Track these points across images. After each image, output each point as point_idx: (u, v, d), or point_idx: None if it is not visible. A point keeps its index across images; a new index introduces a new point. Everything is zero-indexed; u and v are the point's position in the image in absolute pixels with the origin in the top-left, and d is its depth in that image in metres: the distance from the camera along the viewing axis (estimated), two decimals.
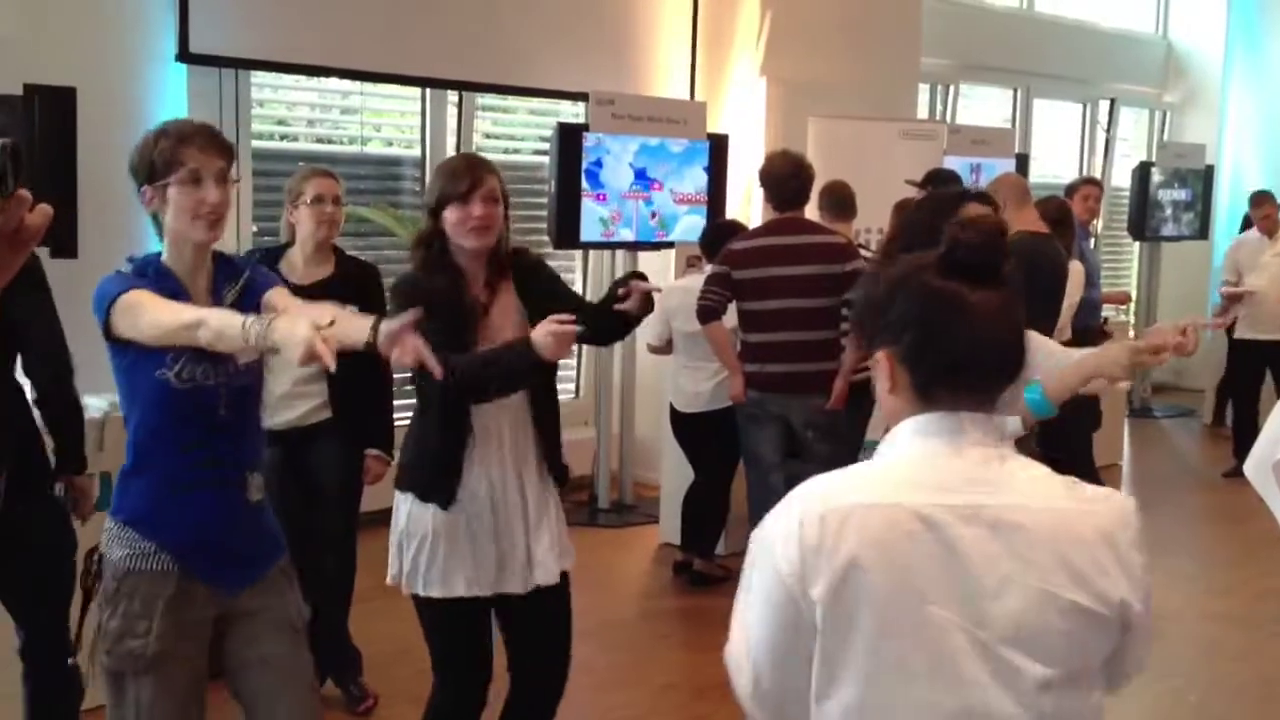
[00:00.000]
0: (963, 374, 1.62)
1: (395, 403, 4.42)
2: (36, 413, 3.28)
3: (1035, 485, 1.62)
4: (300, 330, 2.24)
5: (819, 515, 1.57)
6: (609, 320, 3.15)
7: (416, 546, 3.04)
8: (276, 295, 2.72)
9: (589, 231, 6.84)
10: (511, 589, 3.08)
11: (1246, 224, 9.25)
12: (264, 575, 2.76)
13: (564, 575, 3.17)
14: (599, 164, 6.81)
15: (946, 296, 1.60)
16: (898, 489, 1.59)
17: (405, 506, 3.07)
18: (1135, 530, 1.61)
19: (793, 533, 1.58)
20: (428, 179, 7.03)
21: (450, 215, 3.00)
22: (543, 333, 2.80)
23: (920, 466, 1.61)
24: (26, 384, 3.33)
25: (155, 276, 2.60)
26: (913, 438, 1.63)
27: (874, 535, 1.55)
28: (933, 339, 1.61)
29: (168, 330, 2.46)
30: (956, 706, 1.55)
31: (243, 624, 2.72)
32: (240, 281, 2.71)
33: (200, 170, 2.57)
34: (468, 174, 3.02)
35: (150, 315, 2.48)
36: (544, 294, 3.12)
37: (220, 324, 2.40)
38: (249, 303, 2.69)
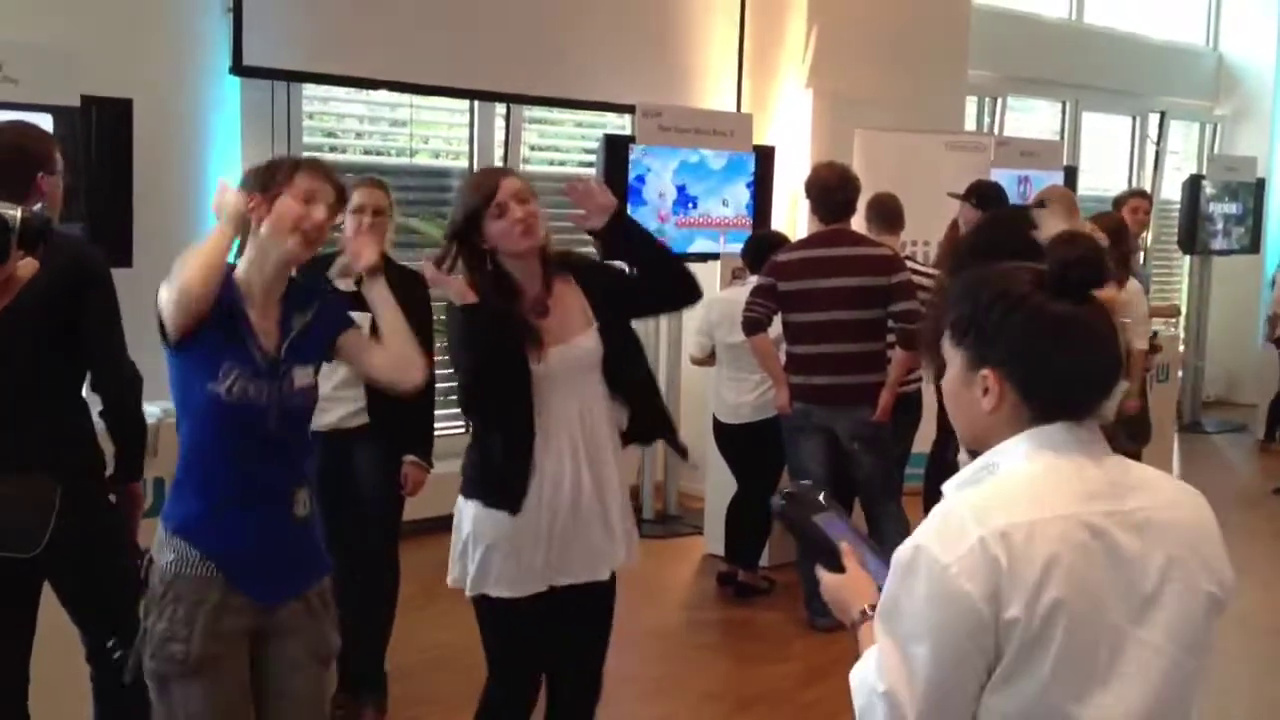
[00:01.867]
0: (1080, 390, 1.65)
1: (436, 411, 4.42)
2: (100, 424, 3.32)
3: (1161, 484, 1.69)
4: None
5: (1001, 532, 1.54)
6: (635, 260, 3.17)
7: (484, 551, 3.04)
8: (351, 338, 2.82)
9: None
10: (582, 578, 3.09)
11: None
12: (304, 594, 2.77)
13: (612, 575, 3.20)
14: (641, 179, 6.82)
15: (1064, 320, 1.62)
16: (1059, 501, 1.59)
17: (470, 511, 3.08)
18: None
19: (974, 550, 1.54)
20: None
21: (492, 228, 3.00)
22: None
23: (1068, 477, 1.61)
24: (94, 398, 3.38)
25: (221, 286, 2.62)
26: (1041, 450, 1.63)
27: (1054, 551, 1.54)
28: (1053, 361, 1.63)
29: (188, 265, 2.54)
30: (1137, 710, 1.58)
31: (276, 645, 2.74)
32: (310, 313, 2.75)
33: (315, 192, 2.65)
34: (487, 184, 3.03)
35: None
36: (606, 285, 3.15)
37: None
38: (317, 334, 2.75)
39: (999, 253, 2.99)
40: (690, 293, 3.19)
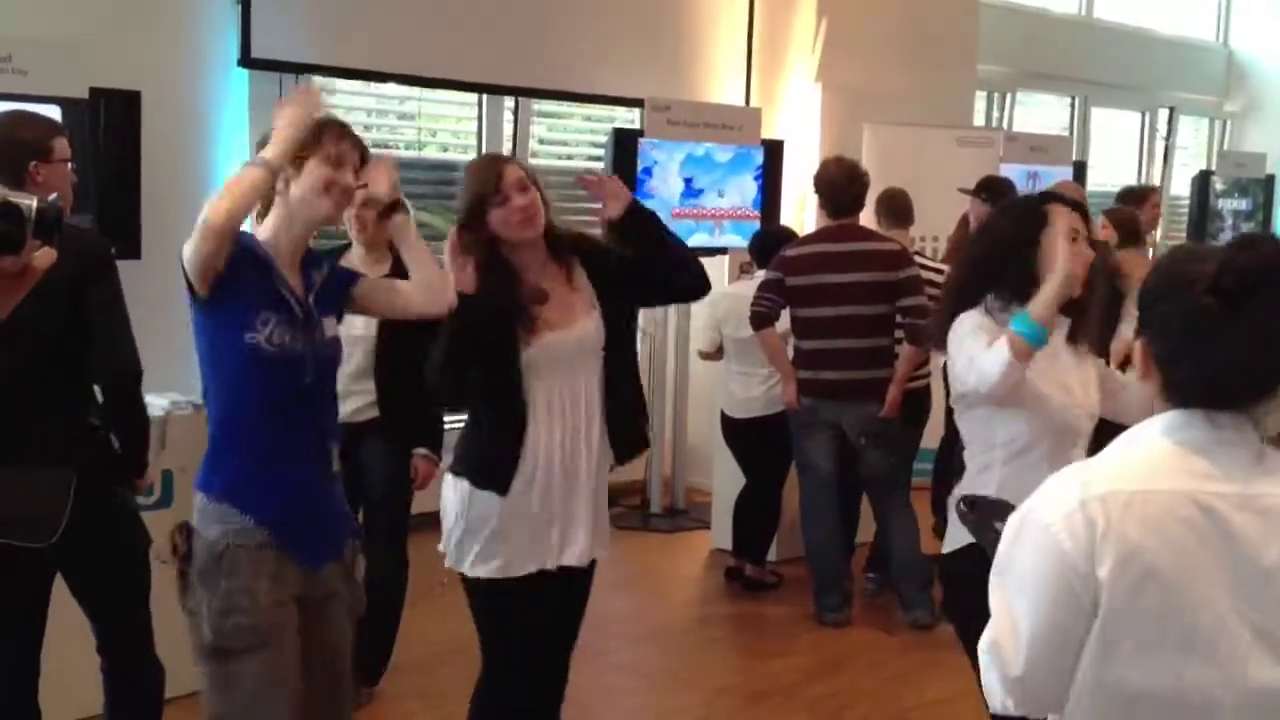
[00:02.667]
0: (1219, 386, 1.65)
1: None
2: None
3: None
4: None
5: (1100, 497, 1.61)
6: (647, 250, 3.14)
7: (471, 529, 3.05)
8: (368, 284, 2.93)
9: None
10: (567, 561, 3.09)
11: None
12: (341, 553, 2.82)
13: (592, 563, 3.21)
14: (649, 172, 6.82)
15: (1209, 316, 1.62)
16: (1173, 476, 1.63)
17: (460, 490, 3.08)
18: None
19: (1075, 512, 1.61)
20: None
21: (494, 216, 3.01)
22: None
23: (1188, 456, 1.64)
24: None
25: (243, 244, 2.62)
26: (1171, 431, 1.67)
27: (1155, 520, 1.60)
28: (1190, 353, 1.65)
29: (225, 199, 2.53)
30: (1234, 686, 1.59)
31: (321, 605, 2.77)
32: (325, 269, 2.81)
33: (343, 156, 2.68)
34: (490, 171, 3.03)
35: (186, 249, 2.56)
36: (614, 272, 3.15)
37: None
38: (334, 291, 2.81)
39: (1014, 242, 3.00)
40: (699, 285, 3.21)
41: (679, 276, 3.18)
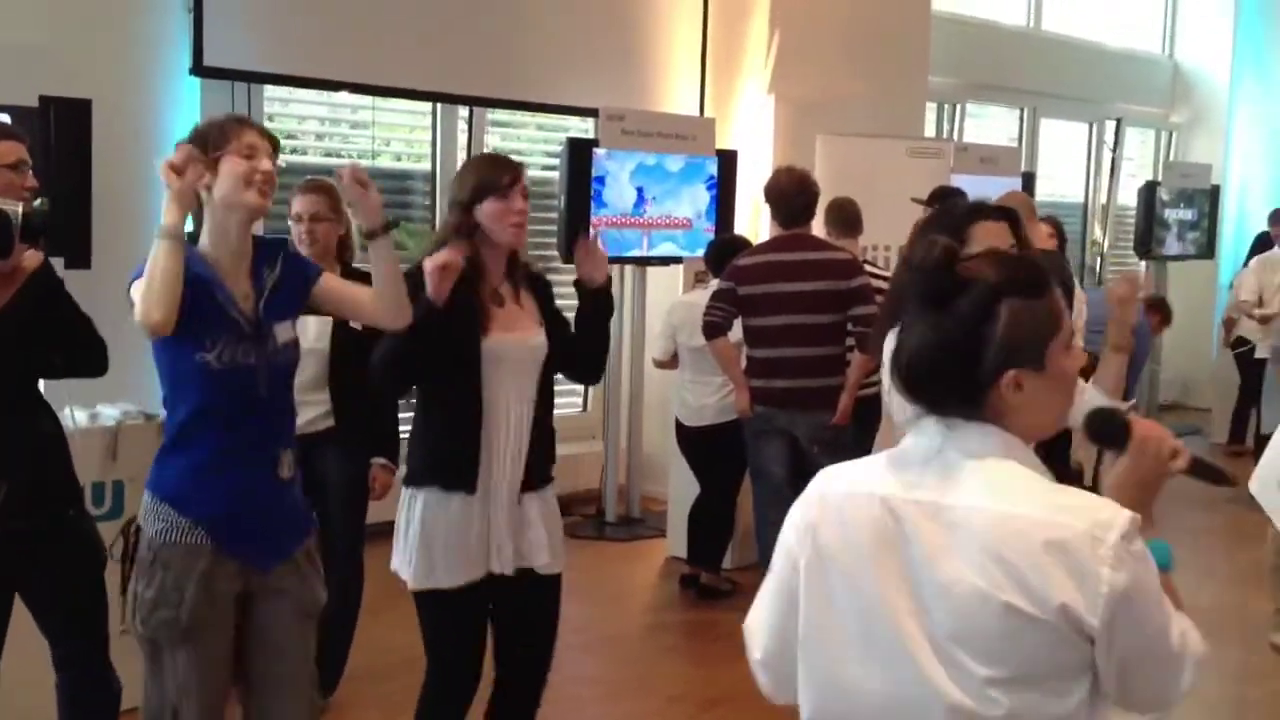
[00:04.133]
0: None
1: (400, 414, 4.43)
2: (69, 426, 3.28)
3: (997, 487, 1.63)
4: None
5: (810, 496, 1.78)
6: (585, 328, 3.25)
7: (427, 543, 3.07)
8: (327, 281, 2.91)
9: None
10: (504, 569, 3.12)
11: (1263, 243, 9.33)
12: (292, 553, 2.85)
13: (556, 579, 3.25)
14: (601, 180, 6.84)
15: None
16: (876, 480, 1.71)
17: (420, 500, 3.10)
18: (1109, 545, 1.56)
19: (794, 513, 1.79)
20: (438, 193, 7.12)
21: (489, 207, 3.06)
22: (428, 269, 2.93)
23: (895, 460, 1.72)
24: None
25: (189, 263, 2.64)
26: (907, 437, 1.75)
27: (847, 520, 1.70)
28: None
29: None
30: (907, 689, 1.63)
31: (263, 604, 2.81)
32: (278, 264, 2.81)
33: (254, 147, 2.70)
34: (508, 168, 3.11)
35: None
36: (552, 313, 3.24)
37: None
38: (289, 285, 2.81)
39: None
40: (592, 380, 3.62)
41: (587, 366, 3.38)
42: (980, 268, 1.67)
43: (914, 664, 1.62)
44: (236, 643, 2.83)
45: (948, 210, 3.56)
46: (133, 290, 2.65)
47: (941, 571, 1.61)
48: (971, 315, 1.64)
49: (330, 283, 2.93)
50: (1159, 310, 8.32)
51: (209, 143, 2.69)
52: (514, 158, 3.33)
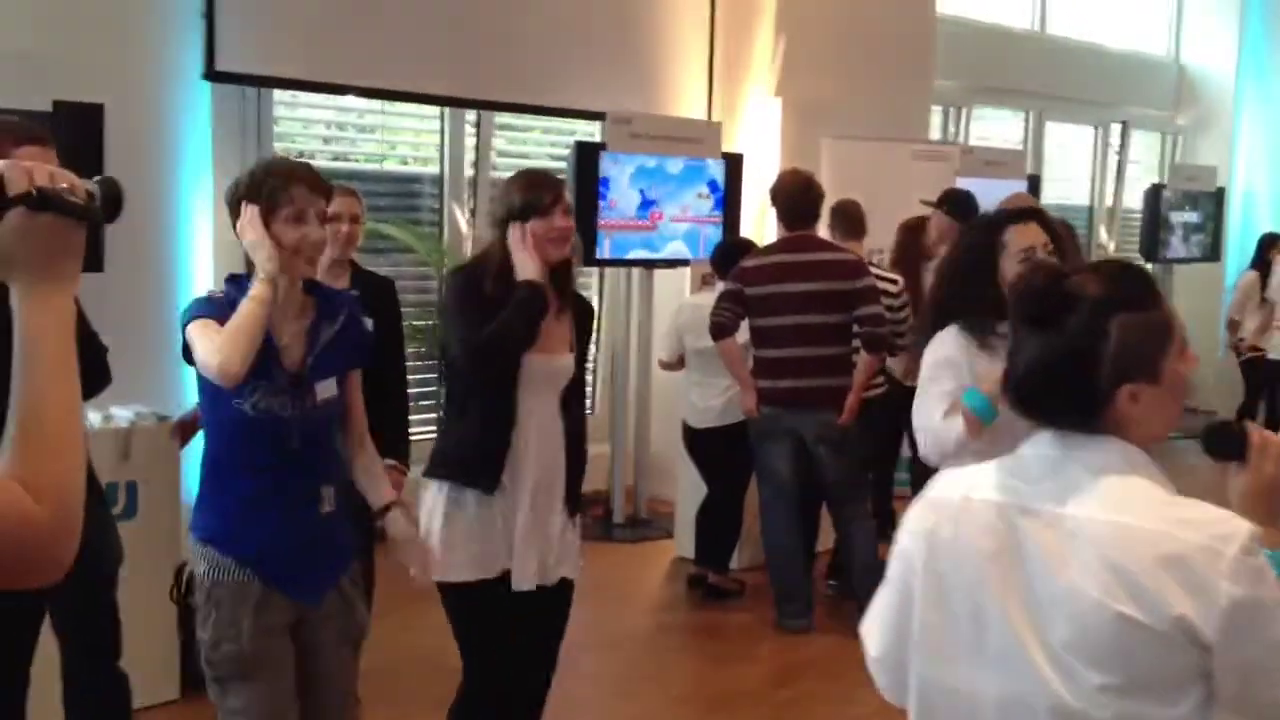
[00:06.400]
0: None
1: (411, 416, 4.46)
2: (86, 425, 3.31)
3: (1116, 499, 1.65)
4: None
5: (928, 500, 1.80)
6: None
7: (448, 535, 3.13)
8: (352, 385, 2.94)
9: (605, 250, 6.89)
10: (526, 584, 3.18)
11: (1268, 245, 9.40)
12: (337, 584, 2.87)
13: (570, 583, 3.31)
14: (606, 183, 6.87)
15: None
16: (994, 488, 1.72)
17: (440, 494, 3.16)
18: (1228, 559, 1.57)
19: (910, 516, 1.81)
20: (446, 196, 7.16)
21: (536, 225, 3.11)
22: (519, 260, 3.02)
23: (1013, 469, 1.73)
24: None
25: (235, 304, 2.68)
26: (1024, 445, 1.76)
27: (963, 526, 1.71)
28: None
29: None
30: (1020, 691, 1.65)
31: (311, 632, 2.83)
32: (338, 324, 2.82)
33: (306, 210, 2.70)
34: (551, 187, 3.16)
35: (198, 348, 2.65)
36: (583, 343, 3.33)
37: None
38: (344, 346, 2.83)
39: (982, 255, 3.07)
40: None
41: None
42: (1086, 284, 1.69)
43: (1029, 668, 1.63)
44: None
45: (983, 217, 3.61)
46: (192, 329, 2.66)
47: (1058, 581, 1.62)
48: (1082, 333, 1.66)
49: (354, 380, 2.96)
50: None
51: (262, 194, 2.68)
52: (517, 161, 3.37)
